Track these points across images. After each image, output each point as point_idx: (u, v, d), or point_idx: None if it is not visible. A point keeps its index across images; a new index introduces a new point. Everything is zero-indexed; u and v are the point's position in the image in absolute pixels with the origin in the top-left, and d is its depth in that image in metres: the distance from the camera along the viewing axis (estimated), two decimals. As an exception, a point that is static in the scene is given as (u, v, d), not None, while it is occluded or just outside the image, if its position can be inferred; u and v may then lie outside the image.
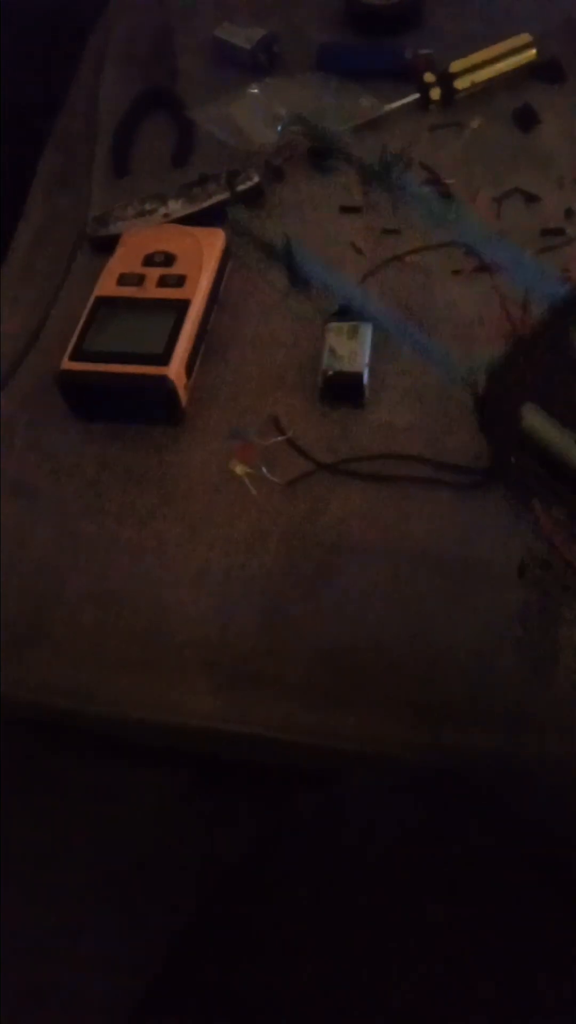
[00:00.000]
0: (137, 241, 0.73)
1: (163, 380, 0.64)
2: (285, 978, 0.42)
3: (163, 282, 0.70)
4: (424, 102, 0.84)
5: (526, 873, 0.45)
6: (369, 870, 0.45)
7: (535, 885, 0.45)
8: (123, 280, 0.70)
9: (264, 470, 0.62)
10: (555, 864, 0.46)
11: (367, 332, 0.67)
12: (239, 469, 0.63)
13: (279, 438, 0.64)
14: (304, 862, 0.47)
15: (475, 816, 0.47)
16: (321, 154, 0.82)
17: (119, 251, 0.73)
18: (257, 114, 0.83)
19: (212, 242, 0.73)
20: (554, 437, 0.37)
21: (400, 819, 0.47)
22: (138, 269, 0.71)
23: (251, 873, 0.49)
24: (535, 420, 0.37)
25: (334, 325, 0.68)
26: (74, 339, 0.67)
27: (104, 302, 0.69)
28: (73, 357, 0.66)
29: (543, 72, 0.86)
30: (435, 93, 0.84)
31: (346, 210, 0.78)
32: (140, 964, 0.49)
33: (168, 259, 0.71)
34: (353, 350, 0.66)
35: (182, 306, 0.68)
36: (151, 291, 0.69)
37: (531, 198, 0.77)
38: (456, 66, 0.84)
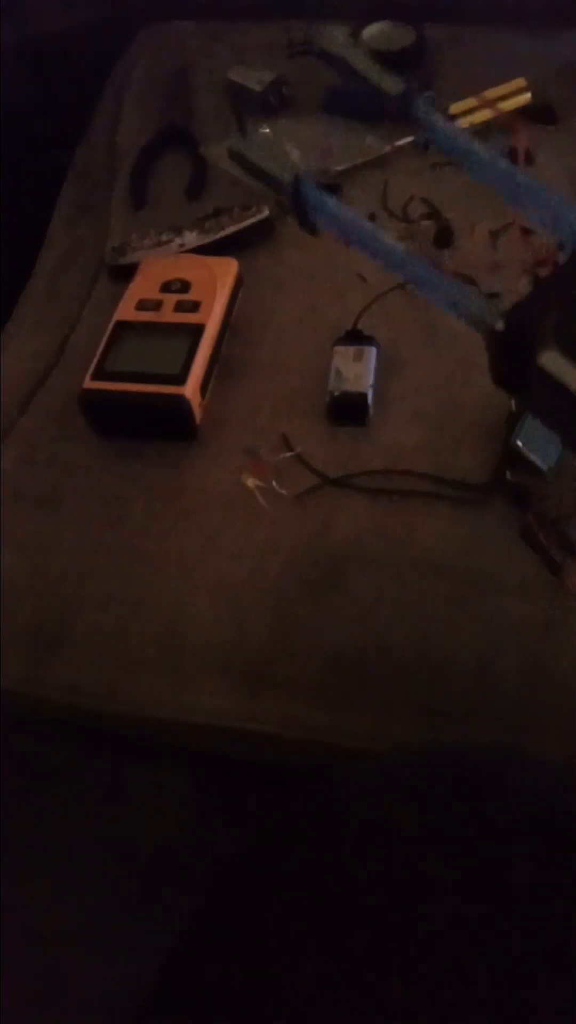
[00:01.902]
0: (155, 269, 0.77)
1: (180, 399, 0.68)
2: (285, 978, 0.41)
3: (179, 307, 0.73)
4: (425, 142, 0.89)
5: (526, 873, 0.45)
6: (369, 870, 0.45)
7: (535, 885, 0.44)
8: (142, 305, 0.74)
9: (274, 484, 0.65)
10: (555, 864, 0.45)
11: (372, 354, 0.71)
12: (251, 482, 0.66)
13: (288, 454, 0.67)
14: (304, 862, 0.47)
15: (475, 817, 0.47)
16: (329, 190, 0.86)
17: (138, 278, 0.77)
18: (268, 153, 0.88)
19: (226, 270, 0.77)
20: (571, 380, 0.37)
21: (400, 819, 0.47)
22: (156, 295, 0.74)
23: (251, 873, 0.48)
24: (554, 365, 0.38)
25: (341, 348, 0.71)
26: (95, 360, 0.70)
27: (124, 326, 0.72)
28: (95, 377, 0.69)
29: (537, 114, 0.91)
30: (436, 134, 0.88)
31: (352, 242, 0.82)
32: (143, 964, 0.49)
33: (184, 286, 0.75)
34: (358, 372, 0.70)
35: (197, 330, 0.71)
36: (168, 316, 0.73)
37: (526, 231, 0.81)
38: (455, 108, 0.88)
